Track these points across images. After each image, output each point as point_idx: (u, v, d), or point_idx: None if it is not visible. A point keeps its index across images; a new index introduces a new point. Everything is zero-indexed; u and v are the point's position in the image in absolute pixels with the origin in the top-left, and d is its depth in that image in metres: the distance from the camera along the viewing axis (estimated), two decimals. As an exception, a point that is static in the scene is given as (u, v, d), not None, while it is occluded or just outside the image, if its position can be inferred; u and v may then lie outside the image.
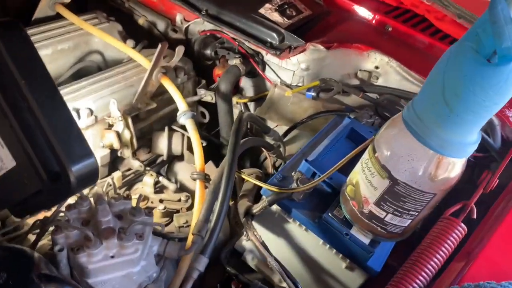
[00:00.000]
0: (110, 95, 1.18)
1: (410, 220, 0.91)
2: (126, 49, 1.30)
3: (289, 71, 1.39)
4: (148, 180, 1.20)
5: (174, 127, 1.34)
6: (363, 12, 1.55)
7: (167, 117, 1.36)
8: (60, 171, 0.68)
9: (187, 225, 1.12)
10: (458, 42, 0.73)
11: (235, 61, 1.36)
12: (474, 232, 0.96)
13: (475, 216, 0.98)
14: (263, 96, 1.50)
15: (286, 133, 1.43)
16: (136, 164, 1.25)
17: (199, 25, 1.52)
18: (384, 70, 1.35)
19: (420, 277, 0.86)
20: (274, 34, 1.34)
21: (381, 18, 1.50)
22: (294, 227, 1.05)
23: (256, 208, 1.04)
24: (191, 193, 1.26)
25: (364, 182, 0.91)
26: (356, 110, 1.36)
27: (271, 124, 1.54)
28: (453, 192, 0.87)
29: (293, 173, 1.07)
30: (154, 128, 1.34)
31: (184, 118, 1.16)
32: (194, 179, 1.08)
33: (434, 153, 0.79)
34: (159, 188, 1.24)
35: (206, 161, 1.13)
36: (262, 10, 1.41)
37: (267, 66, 1.44)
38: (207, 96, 1.42)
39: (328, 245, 1.02)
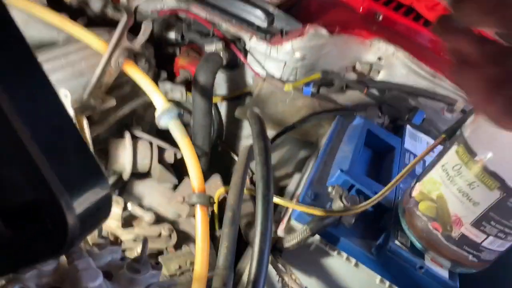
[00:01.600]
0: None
1: (511, 243, 0.69)
2: (66, 24, 0.91)
3: (279, 61, 1.12)
4: (114, 209, 0.82)
5: (138, 133, 0.98)
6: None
7: (127, 119, 0.99)
8: (49, 205, 0.32)
9: (182, 272, 0.77)
10: None
11: (215, 46, 1.05)
12: None
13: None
14: (242, 94, 1.20)
15: (274, 139, 1.15)
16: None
17: (155, 3, 1.17)
18: (388, 62, 1.15)
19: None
20: (262, 14, 1.06)
21: (370, 4, 1.31)
22: (340, 263, 0.77)
23: (291, 241, 0.74)
24: (174, 224, 0.91)
25: (455, 196, 0.67)
26: (358, 110, 1.13)
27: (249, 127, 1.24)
28: None
29: (329, 189, 0.79)
30: (109, 134, 0.96)
31: (167, 118, 0.82)
32: (193, 204, 0.75)
33: None
34: (126, 220, 0.87)
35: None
36: (243, -15, 1.12)
37: (249, 56, 1.14)
38: (175, 92, 1.08)
39: (388, 283, 0.76)
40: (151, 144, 0.96)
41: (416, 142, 1.08)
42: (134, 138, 0.96)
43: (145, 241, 0.55)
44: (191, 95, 1.03)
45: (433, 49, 1.27)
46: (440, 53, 1.26)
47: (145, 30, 0.92)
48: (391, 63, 1.15)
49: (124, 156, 0.92)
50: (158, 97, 0.84)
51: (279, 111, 1.14)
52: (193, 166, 0.79)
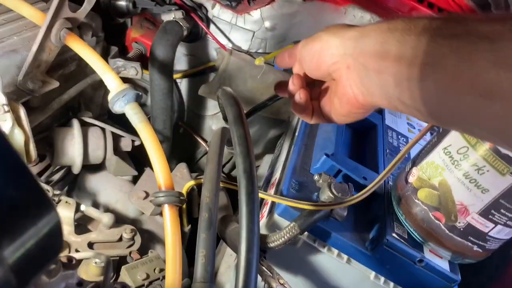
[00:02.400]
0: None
1: (517, 231, 0.63)
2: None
3: (246, 31, 0.99)
4: (64, 212, 0.69)
5: (88, 119, 0.84)
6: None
7: (74, 103, 0.85)
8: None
9: (151, 282, 0.66)
10: None
11: (174, 15, 0.91)
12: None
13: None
14: (205, 69, 1.07)
15: (243, 119, 1.04)
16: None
17: (100, -35, 1.01)
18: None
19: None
20: (226, -22, 0.93)
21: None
22: (330, 259, 0.69)
23: (277, 241, 0.64)
24: (136, 224, 0.79)
25: (461, 182, 0.59)
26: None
27: (215, 107, 1.13)
28: None
29: (315, 177, 0.70)
30: (53, 122, 0.82)
31: (122, 102, 0.69)
32: (160, 204, 0.63)
33: None
34: (78, 223, 0.74)
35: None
36: None
37: (212, 25, 1.01)
38: (129, 69, 0.94)
39: (383, 279, 0.68)
40: (103, 131, 0.82)
41: (396, 117, 1.01)
42: (84, 125, 0.82)
43: (108, 264, 0.43)
44: (148, 72, 0.90)
45: (408, 15, 1.19)
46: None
47: (90, -3, 0.77)
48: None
49: (72, 147, 0.78)
50: (111, 77, 0.71)
51: (248, 88, 1.03)
52: (157, 158, 0.67)
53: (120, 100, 0.69)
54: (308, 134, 0.86)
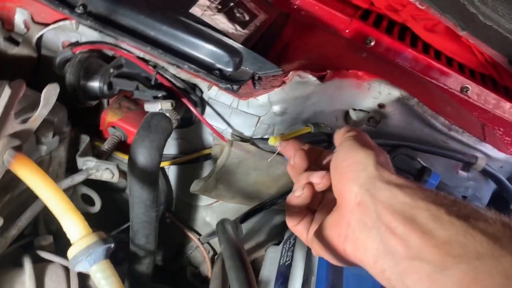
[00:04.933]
0: None
1: None
2: None
3: (250, 116, 0.80)
4: None
5: (45, 254, 0.64)
6: (330, 16, 1.04)
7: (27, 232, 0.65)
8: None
9: None
10: None
11: (161, 105, 0.71)
12: None
13: None
14: (197, 157, 0.88)
15: (245, 217, 0.84)
16: None
17: (67, 33, 0.81)
18: (392, 110, 0.87)
19: None
20: (226, 55, 0.74)
21: (358, 25, 1.02)
22: None
23: None
24: None
25: None
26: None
27: (207, 201, 0.93)
28: None
29: None
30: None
31: (88, 262, 0.49)
32: None
33: None
34: None
35: None
36: (196, 11, 0.78)
37: (207, 108, 0.82)
38: (103, 172, 0.74)
39: None
40: (67, 270, 0.62)
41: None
42: (39, 262, 0.62)
43: None
44: (127, 181, 0.70)
45: (442, 88, 1.02)
46: (453, 93, 1.01)
47: (48, 98, 0.58)
48: (395, 111, 0.88)
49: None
50: (72, 221, 0.51)
51: (251, 183, 0.84)
52: None
53: (84, 261, 0.50)
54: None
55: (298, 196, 0.51)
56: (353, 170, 0.44)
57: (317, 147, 0.65)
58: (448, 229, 0.34)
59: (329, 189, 0.51)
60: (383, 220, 0.38)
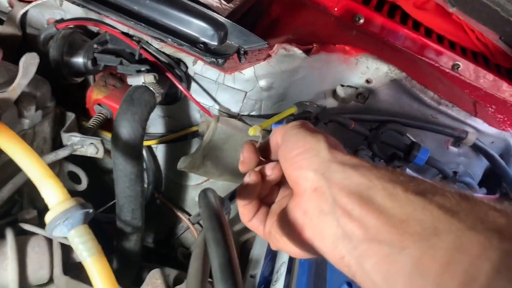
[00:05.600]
0: None
1: None
2: None
3: (237, 91, 0.80)
4: None
5: (27, 226, 0.63)
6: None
7: (8, 205, 0.64)
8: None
9: None
10: None
11: (144, 78, 0.71)
12: None
13: None
14: (184, 135, 0.87)
15: (234, 195, 0.83)
16: None
17: (52, 10, 0.81)
18: (380, 85, 0.87)
19: None
20: (211, 28, 0.74)
21: (347, 3, 1.01)
22: None
23: None
24: None
25: None
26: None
27: (199, 176, 0.93)
28: None
29: None
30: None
31: (65, 227, 0.49)
32: None
33: None
34: None
35: None
36: (180, -16, 0.78)
37: (193, 84, 0.82)
38: (87, 146, 0.74)
39: None
40: (50, 242, 0.62)
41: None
42: (22, 234, 0.62)
43: None
44: (111, 154, 0.70)
45: (433, 65, 1.01)
46: (444, 70, 1.00)
47: (27, 68, 0.57)
48: (383, 86, 0.87)
49: (4, 271, 0.58)
50: (50, 187, 0.50)
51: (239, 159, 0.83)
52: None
53: (61, 225, 0.49)
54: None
55: (246, 184, 0.47)
56: (305, 158, 0.42)
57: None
58: (405, 207, 0.32)
59: (286, 182, 0.47)
60: (339, 203, 0.36)
